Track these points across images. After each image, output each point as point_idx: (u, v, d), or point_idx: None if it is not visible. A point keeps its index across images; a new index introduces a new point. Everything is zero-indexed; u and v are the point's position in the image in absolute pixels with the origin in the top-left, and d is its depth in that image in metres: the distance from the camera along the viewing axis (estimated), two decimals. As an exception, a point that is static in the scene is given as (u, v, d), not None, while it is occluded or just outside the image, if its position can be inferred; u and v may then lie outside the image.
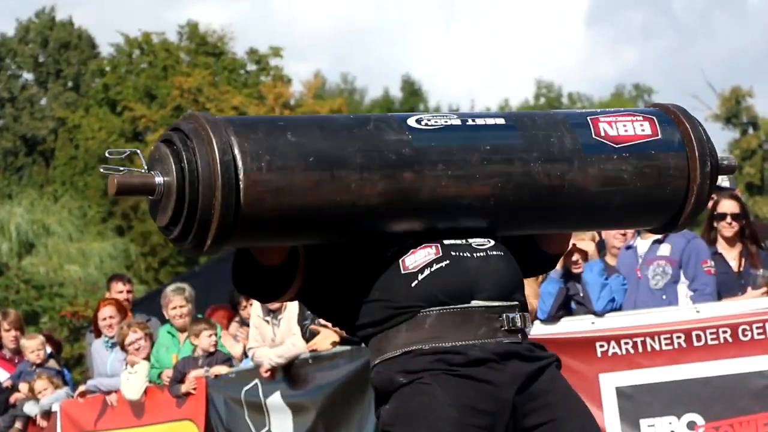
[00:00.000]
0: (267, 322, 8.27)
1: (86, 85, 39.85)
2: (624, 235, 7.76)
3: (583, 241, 7.49)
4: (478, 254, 3.44)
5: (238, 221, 3.32)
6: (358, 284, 3.47)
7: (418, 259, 3.42)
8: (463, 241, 3.45)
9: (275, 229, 3.39)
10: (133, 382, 8.99)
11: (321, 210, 3.34)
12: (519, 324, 3.45)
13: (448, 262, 3.41)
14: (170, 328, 9.02)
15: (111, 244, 26.56)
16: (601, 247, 7.85)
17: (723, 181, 8.40)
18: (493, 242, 3.49)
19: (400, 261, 3.42)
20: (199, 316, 9.20)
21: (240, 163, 3.33)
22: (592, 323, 7.31)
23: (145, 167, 3.44)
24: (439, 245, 3.43)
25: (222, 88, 35.03)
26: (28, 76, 41.65)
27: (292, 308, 8.12)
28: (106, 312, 9.39)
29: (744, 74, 64.88)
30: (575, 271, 7.47)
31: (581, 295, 7.42)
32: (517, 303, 3.47)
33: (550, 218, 3.58)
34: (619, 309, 7.42)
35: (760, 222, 17.15)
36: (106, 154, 3.57)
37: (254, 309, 8.37)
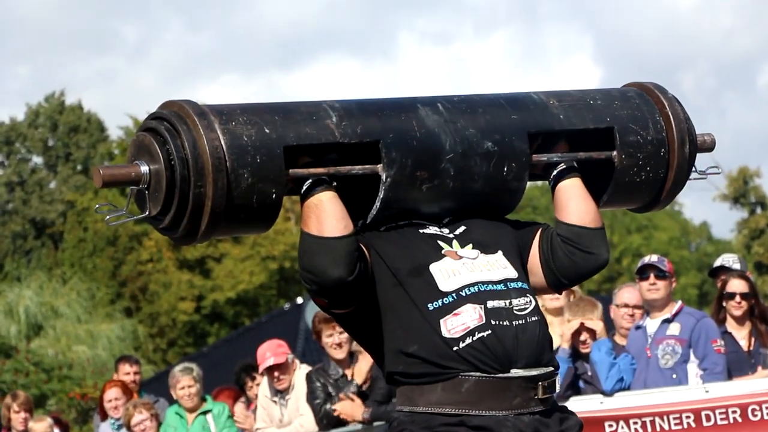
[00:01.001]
0: (275, 402, 8.24)
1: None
2: (632, 316, 7.76)
3: (592, 320, 7.48)
4: (517, 322, 3.44)
5: (230, 197, 3.31)
6: (398, 331, 3.46)
7: (459, 323, 3.41)
8: (505, 303, 3.46)
9: (265, 204, 3.39)
10: None
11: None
12: (551, 391, 3.47)
13: (489, 332, 3.41)
14: (178, 408, 8.98)
15: (119, 325, 26.52)
16: (610, 326, 7.83)
17: (734, 263, 8.41)
18: (533, 304, 3.50)
19: (442, 321, 3.42)
20: (207, 396, 9.17)
21: (226, 147, 3.32)
22: (601, 402, 7.28)
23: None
24: (482, 309, 3.43)
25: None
26: (37, 159, 41.93)
27: (299, 388, 8.09)
28: (112, 394, 9.37)
29: (753, 154, 65.11)
30: (583, 350, 7.45)
31: (589, 374, 7.39)
32: (551, 369, 3.50)
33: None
34: (628, 388, 7.39)
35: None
36: (95, 210, 3.56)
37: (262, 389, 8.35)
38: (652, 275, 7.58)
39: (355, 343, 7.81)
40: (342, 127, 3.47)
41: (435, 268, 3.50)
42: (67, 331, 24.79)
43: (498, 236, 3.64)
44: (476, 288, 3.47)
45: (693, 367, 7.42)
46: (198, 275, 34.00)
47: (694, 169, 3.85)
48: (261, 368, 8.24)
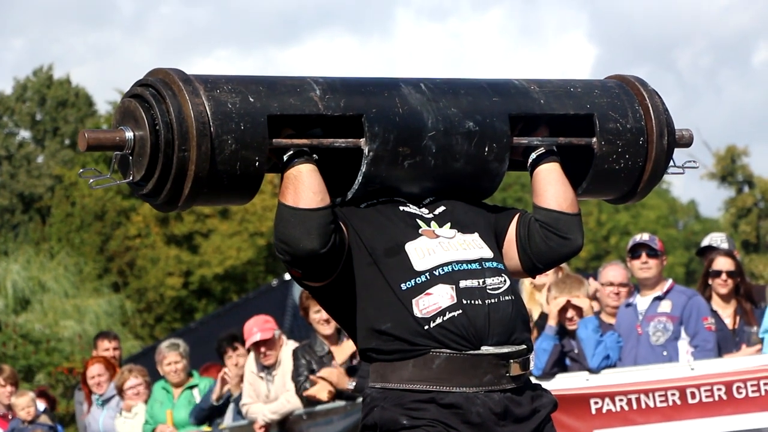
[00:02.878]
0: (261, 378, 8.25)
1: (83, 142, 39.95)
2: (618, 294, 7.78)
3: (578, 298, 7.50)
4: (489, 301, 3.48)
5: (213, 162, 3.34)
6: (371, 310, 3.50)
7: (431, 303, 3.45)
8: (479, 282, 3.50)
9: (248, 172, 3.41)
10: (130, 426, 8.97)
11: None
12: (521, 370, 3.51)
13: (461, 311, 3.44)
14: (165, 383, 9.00)
15: (107, 300, 26.50)
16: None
17: (722, 242, 8.44)
18: (507, 284, 3.54)
19: (414, 301, 3.45)
20: (194, 372, 9.18)
21: (211, 113, 3.35)
22: (587, 380, 7.31)
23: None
24: (453, 289, 3.46)
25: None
26: (25, 134, 41.79)
27: (286, 364, 8.11)
28: (95, 370, 9.39)
29: (744, 132, 65.22)
30: (570, 327, 7.48)
31: (576, 351, 7.42)
32: (524, 347, 3.53)
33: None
34: (614, 366, 7.42)
35: (756, 282, 17.17)
36: (79, 175, 3.57)
37: (248, 365, 8.35)
38: (643, 254, 7.61)
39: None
40: (326, 100, 3.50)
41: (411, 247, 3.53)
42: (55, 306, 24.77)
43: (476, 218, 3.68)
44: (450, 267, 3.50)
45: (684, 344, 7.46)
46: (186, 251, 33.97)
47: (672, 162, 3.88)
48: (248, 344, 8.25)
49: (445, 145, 3.60)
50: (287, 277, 22.84)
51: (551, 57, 70.87)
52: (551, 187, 3.69)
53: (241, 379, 8.57)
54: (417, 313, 3.44)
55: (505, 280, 3.54)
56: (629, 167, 3.80)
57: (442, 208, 3.66)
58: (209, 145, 3.33)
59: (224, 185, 3.41)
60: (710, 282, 7.71)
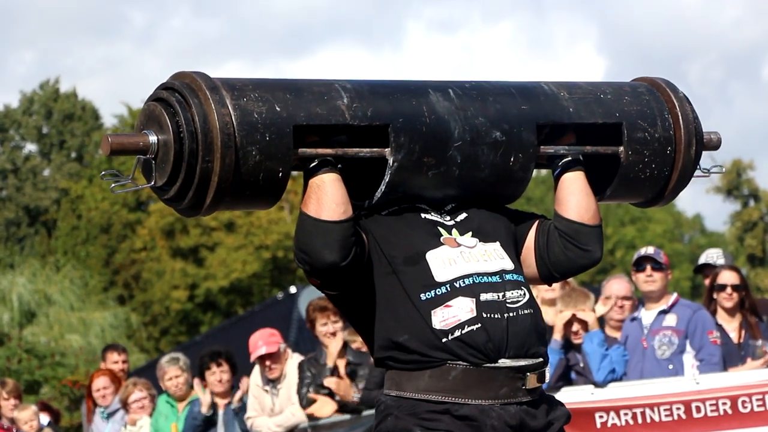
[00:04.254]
0: (266, 391, 8.25)
1: (89, 155, 40.02)
2: (622, 308, 7.77)
3: (584, 311, 7.49)
4: (508, 314, 3.46)
5: (237, 173, 3.32)
6: (390, 320, 3.48)
7: (450, 315, 3.43)
8: (499, 296, 3.47)
9: (271, 182, 3.40)
10: None
11: None
12: (537, 382, 3.50)
13: (479, 325, 3.43)
14: (168, 397, 9.00)
15: (112, 313, 26.49)
16: (601, 318, 7.85)
17: (719, 258, 8.45)
18: (526, 297, 3.52)
19: (433, 312, 3.44)
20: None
21: (236, 123, 3.33)
22: (592, 393, 7.29)
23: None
24: (473, 302, 3.44)
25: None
26: (31, 147, 41.87)
27: (291, 377, 8.10)
28: (100, 383, 9.38)
29: (753, 146, 65.22)
30: (575, 341, 7.47)
31: (581, 365, 7.41)
32: (541, 359, 3.52)
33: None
34: (620, 380, 7.41)
35: (762, 296, 17.15)
36: (101, 177, 3.55)
37: (253, 378, 8.35)
38: (648, 267, 7.60)
39: (348, 332, 7.83)
40: (353, 109, 3.47)
41: (432, 256, 3.51)
42: (60, 319, 24.77)
43: (497, 226, 3.66)
44: (471, 280, 3.48)
45: (689, 358, 7.44)
46: (191, 264, 33.98)
47: (698, 166, 3.86)
48: (253, 357, 8.25)
49: (470, 155, 3.57)
50: (293, 290, 22.85)
51: (561, 69, 70.91)
52: (574, 198, 3.68)
53: (225, 394, 8.58)
54: (435, 324, 3.42)
55: (524, 293, 3.52)
56: (655, 176, 3.78)
57: (463, 215, 3.64)
58: (234, 156, 3.31)
59: (246, 195, 3.40)
60: (715, 296, 7.70)
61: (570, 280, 8.02)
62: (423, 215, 3.61)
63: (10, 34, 63.19)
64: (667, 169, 3.77)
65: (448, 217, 3.63)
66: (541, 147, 3.69)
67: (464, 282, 3.47)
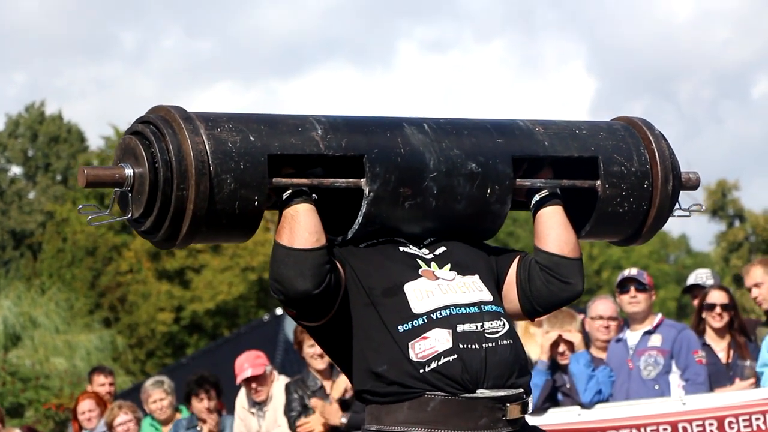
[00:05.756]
0: (252, 413, 8.22)
1: (75, 178, 39.95)
2: (607, 328, 7.77)
3: (570, 332, 7.48)
4: (487, 345, 3.45)
5: (212, 201, 3.33)
6: (368, 351, 3.48)
7: (427, 347, 3.43)
8: (476, 327, 3.47)
9: (247, 211, 3.40)
10: None
11: None
12: (519, 413, 3.49)
13: (456, 356, 3.42)
14: (152, 420, 8.96)
15: (98, 336, 26.42)
16: (587, 338, 7.84)
17: (708, 279, 8.45)
18: (506, 327, 3.51)
19: (410, 344, 3.43)
20: (182, 407, 9.13)
21: (210, 151, 3.34)
22: (579, 414, 7.28)
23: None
24: (450, 333, 3.43)
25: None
26: (17, 169, 41.80)
27: (277, 400, 8.07)
28: (86, 405, 9.34)
29: (743, 165, 65.47)
30: (562, 362, 7.46)
31: (568, 386, 7.40)
32: (521, 390, 3.51)
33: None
34: (606, 401, 7.40)
35: (748, 317, 17.17)
36: (78, 210, 3.56)
37: (239, 400, 8.32)
38: (632, 288, 7.60)
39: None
40: (327, 140, 3.48)
41: (409, 288, 3.51)
42: (45, 342, 24.69)
43: (476, 259, 3.66)
44: (448, 311, 3.47)
45: (675, 378, 7.44)
46: (177, 286, 33.91)
47: (678, 205, 3.87)
48: (239, 379, 8.22)
49: (446, 186, 3.58)
50: (279, 311, 22.81)
51: (552, 88, 71.21)
52: (553, 231, 3.68)
53: (217, 422, 8.55)
54: (413, 356, 3.42)
55: (504, 324, 3.51)
56: (633, 211, 3.78)
57: (442, 249, 3.64)
58: (208, 184, 3.32)
59: (223, 224, 3.40)
60: (704, 316, 7.70)
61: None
62: (401, 248, 3.61)
63: (2, 55, 63.24)
64: (645, 203, 3.78)
65: (427, 251, 3.63)
66: (518, 180, 3.70)
67: (441, 313, 3.46)
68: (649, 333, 7.54)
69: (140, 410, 9.38)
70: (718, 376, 7.52)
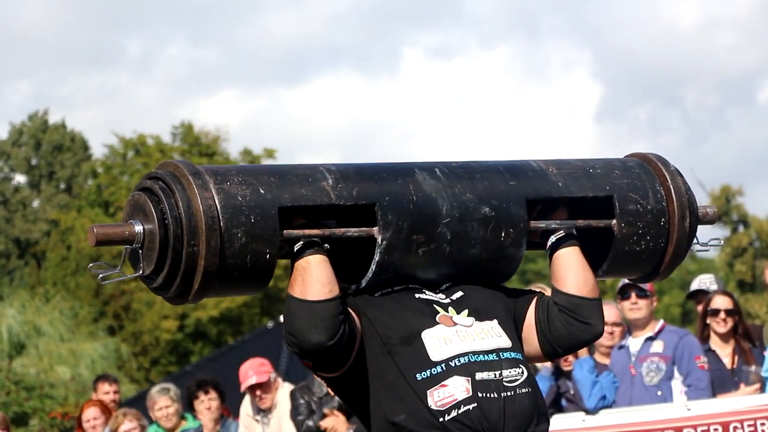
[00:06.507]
0: (257, 421, 8.23)
1: (79, 186, 39.98)
2: (611, 333, 7.77)
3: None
4: (505, 394, 3.43)
5: (223, 256, 3.32)
6: (386, 400, 3.45)
7: (446, 395, 3.40)
8: (495, 375, 3.44)
9: (259, 264, 3.38)
10: None
11: None
12: None
13: (475, 405, 3.40)
14: (158, 428, 8.96)
15: (102, 344, 26.42)
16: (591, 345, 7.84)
17: (711, 284, 8.45)
18: (524, 375, 3.49)
19: (429, 392, 3.41)
20: (188, 414, 9.14)
21: (220, 206, 3.33)
22: (583, 420, 7.28)
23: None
24: (469, 381, 3.41)
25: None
26: (20, 178, 41.84)
27: (282, 407, 8.07)
28: (90, 413, 9.34)
29: (749, 170, 65.39)
30: (565, 368, 7.45)
31: (572, 392, 7.39)
32: None
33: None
34: (610, 406, 7.39)
35: (752, 322, 17.16)
36: (88, 269, 3.54)
37: (244, 408, 8.33)
38: (633, 294, 7.60)
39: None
40: (338, 189, 3.47)
41: (427, 335, 3.49)
42: (50, 350, 24.69)
43: (494, 303, 3.63)
44: (466, 359, 3.45)
45: (677, 384, 7.43)
46: (181, 294, 33.87)
47: (696, 240, 3.84)
48: (243, 387, 8.23)
49: (460, 231, 3.56)
50: (283, 319, 22.79)
51: (557, 94, 71.12)
52: (572, 272, 3.66)
53: (215, 422, 8.54)
54: (432, 405, 3.39)
55: (522, 372, 3.49)
56: (650, 249, 3.75)
57: (459, 294, 3.62)
58: (219, 239, 3.30)
59: (235, 278, 3.38)
60: (708, 321, 7.70)
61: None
62: (417, 295, 3.59)
63: (7, 64, 63.28)
64: (663, 241, 3.76)
65: (443, 296, 3.61)
66: (532, 222, 3.67)
67: (459, 361, 3.44)
68: (650, 339, 7.54)
69: (145, 418, 9.39)
70: (722, 382, 7.52)
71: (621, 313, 7.79)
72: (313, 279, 3.39)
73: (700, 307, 8.04)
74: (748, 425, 7.04)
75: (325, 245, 3.46)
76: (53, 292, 29.47)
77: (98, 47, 66.33)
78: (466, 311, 3.56)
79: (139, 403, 13.40)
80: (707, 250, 3.94)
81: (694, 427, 7.06)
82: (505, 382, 3.44)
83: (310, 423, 7.74)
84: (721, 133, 72.55)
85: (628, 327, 7.76)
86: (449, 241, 3.55)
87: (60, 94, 64.61)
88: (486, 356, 3.47)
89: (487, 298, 3.63)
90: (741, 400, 7.25)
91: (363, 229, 3.51)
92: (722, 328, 7.63)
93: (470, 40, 75.87)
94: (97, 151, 41.36)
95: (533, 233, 3.72)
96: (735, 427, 7.05)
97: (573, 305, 3.63)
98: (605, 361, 7.71)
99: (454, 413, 3.38)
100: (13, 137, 41.79)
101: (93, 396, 10.05)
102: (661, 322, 7.69)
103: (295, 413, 7.86)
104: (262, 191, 3.38)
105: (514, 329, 3.61)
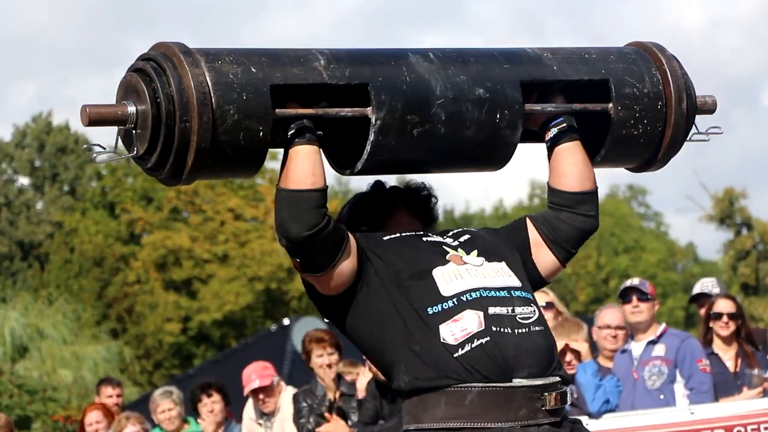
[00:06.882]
0: (260, 424, 8.22)
1: (83, 188, 39.99)
2: (615, 337, 7.76)
3: (576, 342, 7.47)
4: (519, 330, 3.41)
5: (215, 133, 3.31)
6: (402, 331, 3.42)
7: (458, 330, 3.38)
8: (508, 310, 3.42)
9: (252, 143, 3.37)
10: None
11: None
12: (558, 403, 3.42)
13: (488, 338, 3.37)
14: (161, 431, 8.96)
15: (105, 347, 26.41)
16: (594, 348, 7.83)
17: (714, 288, 8.44)
18: (536, 314, 3.46)
19: (442, 327, 3.38)
20: (190, 418, 9.14)
21: (212, 83, 3.32)
22: (587, 424, 7.23)
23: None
24: (482, 315, 3.39)
25: (218, 191, 35.18)
26: (24, 180, 41.85)
27: (285, 410, 8.07)
28: (93, 417, 9.33)
29: (753, 172, 65.37)
30: (569, 371, 7.44)
31: (575, 396, 7.38)
32: (558, 379, 3.45)
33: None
34: (614, 410, 7.38)
35: (756, 325, 17.19)
36: (82, 150, 3.55)
37: (246, 411, 8.32)
38: (634, 298, 7.59)
39: (342, 365, 7.80)
40: (330, 70, 3.45)
41: (438, 273, 3.47)
42: (53, 353, 24.68)
43: (500, 246, 3.62)
44: (478, 293, 3.43)
45: (680, 387, 7.43)
46: (184, 296, 33.92)
47: (694, 128, 3.80)
48: (246, 390, 8.22)
49: (454, 112, 3.53)
50: (286, 322, 22.81)
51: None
52: (575, 169, 3.66)
53: (218, 425, 8.54)
54: (445, 339, 3.37)
55: (534, 311, 3.47)
56: (648, 132, 3.71)
57: (467, 236, 3.61)
58: (210, 115, 3.29)
59: (228, 156, 3.36)
60: (711, 325, 7.70)
61: (562, 309, 8.02)
62: (425, 238, 3.58)
63: (12, 65, 63.31)
64: (660, 124, 3.72)
65: (451, 239, 3.59)
66: (528, 105, 3.64)
67: (471, 295, 3.42)
68: (652, 343, 7.53)
69: (148, 421, 9.39)
70: (725, 386, 7.51)
71: (624, 316, 7.78)
72: (297, 169, 3.39)
73: (702, 311, 8.04)
74: (752, 429, 7.03)
75: (319, 132, 3.45)
76: (56, 295, 29.47)
77: (103, 49, 66.41)
78: (475, 251, 3.55)
79: (142, 407, 13.41)
80: (707, 140, 3.86)
81: (698, 431, 7.05)
82: (519, 318, 3.42)
83: (310, 426, 7.73)
84: (725, 135, 72.51)
85: (632, 331, 7.76)
86: (444, 122, 3.52)
87: (64, 95, 64.65)
88: (498, 293, 3.45)
89: (493, 241, 3.63)
90: (744, 404, 7.24)
91: (356, 109, 3.48)
92: (725, 332, 7.63)
93: (475, 42, 75.89)
94: (101, 153, 41.35)
95: (532, 121, 3.69)
96: (739, 431, 7.04)
97: (575, 201, 3.64)
98: (609, 364, 7.70)
99: (467, 347, 3.35)
100: (16, 139, 41.79)
101: (96, 399, 10.05)
102: (663, 325, 7.69)
103: (297, 416, 7.85)
104: (253, 70, 3.37)
105: (522, 270, 3.59)
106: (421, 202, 3.77)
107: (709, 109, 3.88)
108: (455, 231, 3.64)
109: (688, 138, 3.80)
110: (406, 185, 3.79)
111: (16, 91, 64.38)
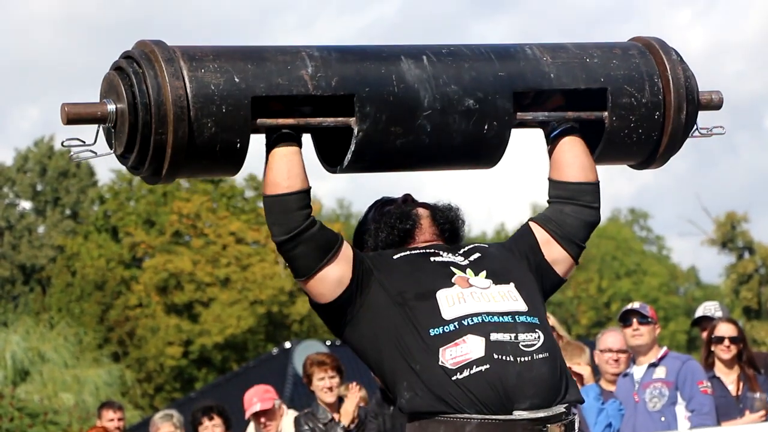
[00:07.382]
0: (260, 445, 8.21)
1: (85, 212, 40.03)
2: (617, 361, 7.75)
3: (579, 365, 7.46)
4: (522, 358, 3.33)
5: (192, 145, 3.29)
6: (403, 346, 3.38)
7: (459, 354, 3.31)
8: (510, 337, 3.35)
9: (229, 153, 3.36)
10: None
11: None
12: None
13: (488, 366, 3.30)
14: (162, 455, 8.94)
15: (106, 370, 26.38)
16: (596, 371, 7.82)
17: (716, 311, 8.44)
18: (542, 340, 3.39)
19: (442, 350, 3.33)
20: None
21: (191, 96, 3.30)
22: (589, 448, 7.25)
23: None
24: (483, 341, 3.33)
25: (220, 214, 35.23)
26: (26, 204, 41.90)
27: (286, 428, 8.06)
28: (93, 440, 9.33)
29: (755, 196, 65.40)
30: (571, 395, 7.42)
31: (578, 419, 7.37)
32: (562, 410, 3.38)
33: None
34: (616, 434, 7.37)
35: (758, 349, 17.18)
36: (62, 144, 3.52)
37: (249, 430, 8.31)
38: (635, 321, 7.59)
39: (343, 387, 7.80)
40: (317, 79, 3.41)
41: (441, 295, 3.41)
42: (54, 377, 24.66)
43: (510, 266, 3.56)
44: (480, 318, 3.36)
45: (681, 409, 7.42)
46: (186, 320, 33.91)
47: (696, 127, 3.76)
48: (248, 414, 8.21)
49: (440, 123, 3.49)
50: (287, 345, 22.80)
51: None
52: (578, 160, 3.63)
53: None
54: (444, 362, 3.31)
55: (539, 336, 3.38)
56: (642, 140, 3.68)
57: (477, 255, 3.54)
58: (186, 129, 3.28)
59: (204, 164, 3.37)
60: (713, 348, 7.70)
61: (564, 333, 8.01)
62: (433, 258, 3.52)
63: (17, 89, 63.42)
64: (656, 133, 3.68)
65: (462, 258, 3.53)
66: (519, 114, 3.61)
67: (473, 320, 3.36)
68: (653, 365, 7.52)
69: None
70: (728, 409, 7.51)
71: (625, 339, 7.78)
72: (271, 173, 3.39)
73: (704, 334, 8.04)
74: (754, 453, 7.03)
75: (298, 137, 3.44)
76: (58, 318, 29.45)
77: (106, 72, 66.46)
78: (484, 272, 3.49)
79: (143, 430, 13.39)
80: (709, 136, 3.83)
81: (700, 454, 7.04)
82: (522, 345, 3.34)
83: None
84: (729, 158, 72.62)
85: (633, 354, 7.75)
86: (429, 133, 3.49)
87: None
88: (501, 318, 3.38)
89: (503, 260, 3.57)
90: (746, 428, 7.23)
91: (340, 119, 3.45)
92: (726, 355, 7.63)
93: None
94: (104, 176, 41.53)
95: (527, 123, 3.68)
96: (741, 455, 7.03)
97: (579, 192, 3.62)
98: (611, 388, 7.69)
99: (466, 373, 3.29)
100: (18, 163, 41.86)
101: (97, 423, 10.03)
102: (664, 349, 7.69)
103: (297, 429, 7.85)
104: (236, 80, 3.34)
105: (532, 289, 3.53)
106: (447, 219, 3.70)
107: (715, 105, 3.83)
108: (467, 248, 3.58)
109: (689, 135, 3.78)
110: (434, 204, 3.74)
111: (19, 116, 64.53)
